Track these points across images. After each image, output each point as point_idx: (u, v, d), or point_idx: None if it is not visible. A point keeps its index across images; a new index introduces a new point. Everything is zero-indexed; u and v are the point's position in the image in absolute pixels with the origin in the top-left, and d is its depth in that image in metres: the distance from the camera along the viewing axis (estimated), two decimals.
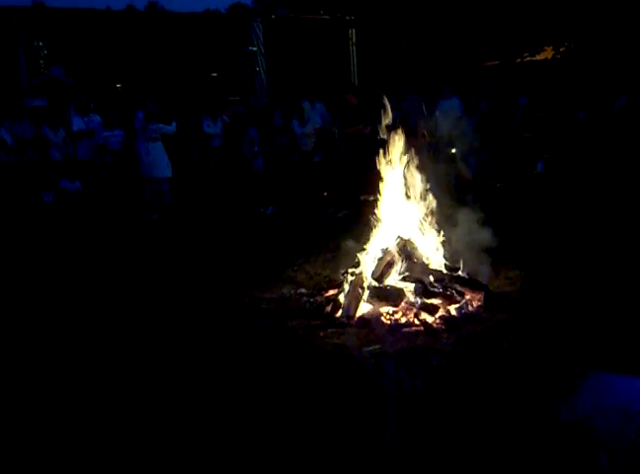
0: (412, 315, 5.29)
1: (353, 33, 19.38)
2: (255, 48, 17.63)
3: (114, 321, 5.58)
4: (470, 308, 5.44)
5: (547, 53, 17.50)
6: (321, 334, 5.10)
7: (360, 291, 5.51)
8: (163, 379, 4.34)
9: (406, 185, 6.04)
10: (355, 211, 9.33)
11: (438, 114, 10.93)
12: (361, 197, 10.15)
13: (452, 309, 5.39)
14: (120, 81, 16.94)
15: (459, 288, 5.62)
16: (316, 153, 10.46)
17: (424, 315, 5.27)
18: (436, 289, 5.55)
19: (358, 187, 10.10)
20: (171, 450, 3.46)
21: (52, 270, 7.38)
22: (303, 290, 6.12)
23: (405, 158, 6.02)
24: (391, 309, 5.39)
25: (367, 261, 5.86)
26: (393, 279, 5.66)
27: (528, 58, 17.78)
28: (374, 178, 6.24)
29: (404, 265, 5.68)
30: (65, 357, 4.84)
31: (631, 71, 13.02)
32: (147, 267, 7.37)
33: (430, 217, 6.05)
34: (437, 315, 5.28)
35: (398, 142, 6.06)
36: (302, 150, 10.49)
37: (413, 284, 5.55)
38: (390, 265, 5.66)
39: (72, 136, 11.24)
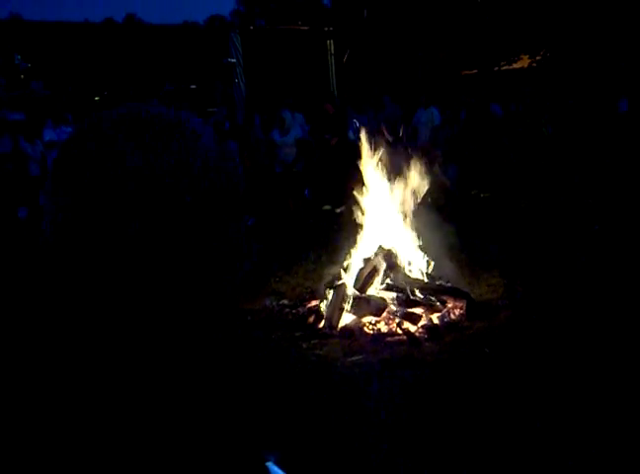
0: (394, 324, 5.30)
1: (331, 43, 19.44)
2: (234, 60, 17.60)
3: (94, 336, 5.53)
4: (452, 316, 5.46)
5: (524, 62, 17.73)
6: (304, 345, 5.09)
7: (343, 302, 5.51)
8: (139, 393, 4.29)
9: (386, 194, 6.07)
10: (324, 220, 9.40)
11: (415, 123, 11.02)
12: (323, 207, 10.21)
13: (435, 318, 5.40)
14: (99, 93, 16.86)
15: (441, 297, 5.64)
16: (297, 163, 10.48)
17: (406, 324, 5.28)
18: (418, 298, 5.56)
19: (322, 195, 10.19)
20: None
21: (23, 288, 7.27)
22: (286, 301, 6.10)
23: (384, 167, 6.06)
24: (374, 319, 5.39)
25: (349, 271, 5.87)
26: (375, 289, 5.67)
27: (505, 67, 18.00)
28: (343, 187, 6.27)
29: (386, 274, 5.69)
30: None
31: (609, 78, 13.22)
32: (124, 279, 7.29)
33: (410, 226, 6.08)
34: (419, 324, 5.29)
35: (377, 152, 6.10)
36: (283, 160, 10.49)
37: (395, 294, 5.56)
38: (372, 274, 5.67)
39: (45, 147, 11.17)
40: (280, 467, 1.04)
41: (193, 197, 0.83)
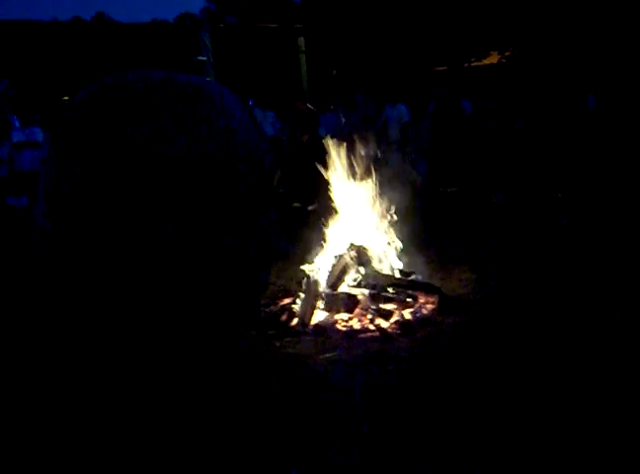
0: (367, 321, 5.31)
1: (302, 41, 19.40)
2: (204, 58, 17.48)
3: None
4: (425, 312, 5.49)
5: (493, 58, 17.90)
6: (277, 343, 5.08)
7: (315, 299, 5.52)
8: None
9: (356, 190, 6.08)
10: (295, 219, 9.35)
11: (384, 119, 11.08)
12: (294, 205, 10.19)
13: (407, 313, 5.42)
14: (68, 93, 16.64)
15: (413, 292, 5.67)
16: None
17: (379, 320, 5.29)
18: (390, 294, 5.58)
19: (292, 194, 10.17)
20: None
21: None
22: None
23: (354, 164, 6.07)
24: (346, 316, 5.40)
25: (321, 268, 5.87)
26: (347, 286, 5.68)
27: (475, 63, 18.15)
28: (314, 185, 6.27)
29: (358, 271, 5.71)
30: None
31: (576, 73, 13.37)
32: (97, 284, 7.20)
33: (381, 222, 6.10)
34: (391, 320, 5.31)
35: (347, 149, 6.11)
36: None
37: (367, 290, 5.58)
38: (344, 271, 5.68)
39: (12, 148, 11.04)
40: None
41: (223, 183, 0.76)
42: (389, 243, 6.07)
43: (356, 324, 5.32)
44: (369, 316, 5.34)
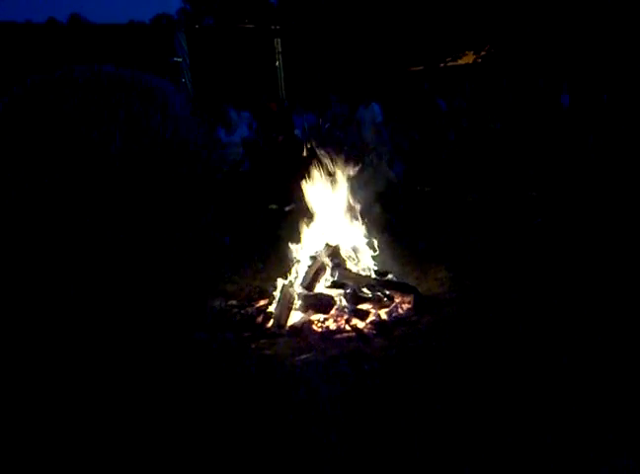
0: (343, 321, 5.30)
1: (278, 42, 19.38)
2: (180, 59, 17.39)
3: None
4: (400, 311, 5.48)
5: (469, 58, 18.00)
6: (253, 345, 5.05)
7: (291, 300, 5.50)
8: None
9: (331, 192, 6.08)
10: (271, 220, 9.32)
11: (357, 120, 11.09)
12: (270, 206, 10.15)
13: (383, 313, 5.42)
14: None
15: (389, 292, 5.66)
16: (243, 162, 10.42)
17: (355, 321, 5.29)
18: (366, 294, 5.58)
19: (268, 195, 10.12)
20: None
21: None
22: (234, 302, 6.04)
23: (329, 165, 6.07)
24: (322, 317, 5.39)
25: (297, 269, 5.86)
26: (323, 287, 5.67)
27: (451, 63, 18.24)
28: (290, 186, 6.26)
29: (333, 271, 5.69)
30: None
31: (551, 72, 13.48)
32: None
33: (357, 222, 6.10)
34: (367, 320, 5.30)
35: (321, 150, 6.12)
36: (229, 160, 10.41)
37: (343, 291, 5.57)
38: (319, 272, 5.67)
39: None
40: None
41: (162, 176, 0.73)
42: (365, 243, 6.07)
43: (332, 325, 5.31)
44: (345, 316, 5.34)
